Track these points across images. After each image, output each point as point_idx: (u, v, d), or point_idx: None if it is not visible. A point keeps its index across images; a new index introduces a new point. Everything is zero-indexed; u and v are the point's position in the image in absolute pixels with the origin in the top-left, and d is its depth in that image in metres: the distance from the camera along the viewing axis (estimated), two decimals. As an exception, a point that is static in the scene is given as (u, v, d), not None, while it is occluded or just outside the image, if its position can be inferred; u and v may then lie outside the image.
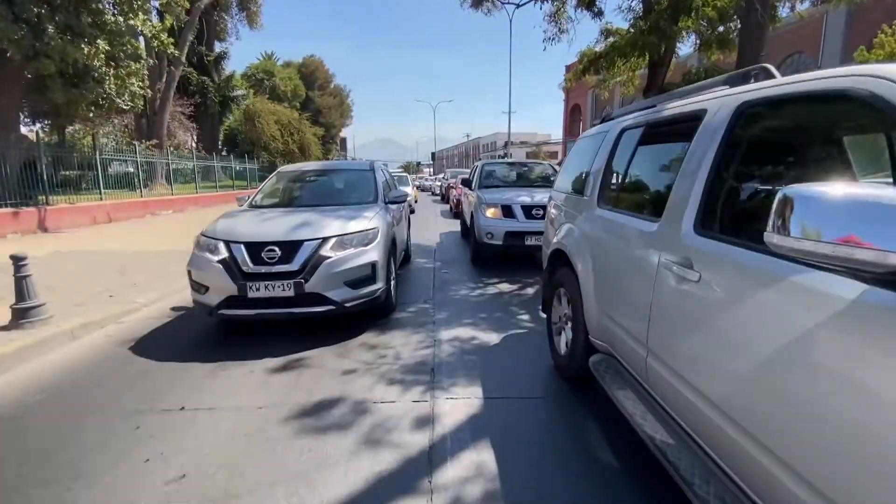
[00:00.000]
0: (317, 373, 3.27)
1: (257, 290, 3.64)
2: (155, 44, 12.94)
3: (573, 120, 60.74)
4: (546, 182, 7.80)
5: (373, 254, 4.05)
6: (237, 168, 22.45)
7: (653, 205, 2.16)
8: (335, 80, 50.37)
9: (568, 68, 59.68)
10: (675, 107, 2.24)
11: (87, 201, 12.27)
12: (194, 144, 31.96)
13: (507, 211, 6.49)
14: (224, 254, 3.75)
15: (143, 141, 18.59)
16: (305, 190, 5.52)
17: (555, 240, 3.28)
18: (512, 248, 6.58)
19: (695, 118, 1.92)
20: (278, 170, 5.72)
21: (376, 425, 2.58)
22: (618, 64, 10.66)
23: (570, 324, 2.97)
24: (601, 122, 3.31)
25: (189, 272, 3.94)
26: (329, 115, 47.65)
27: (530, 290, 5.56)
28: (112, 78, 11.59)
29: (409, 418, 2.65)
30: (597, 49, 11.50)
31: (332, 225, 4.02)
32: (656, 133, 2.42)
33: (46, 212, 10.52)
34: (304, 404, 2.81)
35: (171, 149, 23.80)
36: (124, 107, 12.28)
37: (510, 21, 22.06)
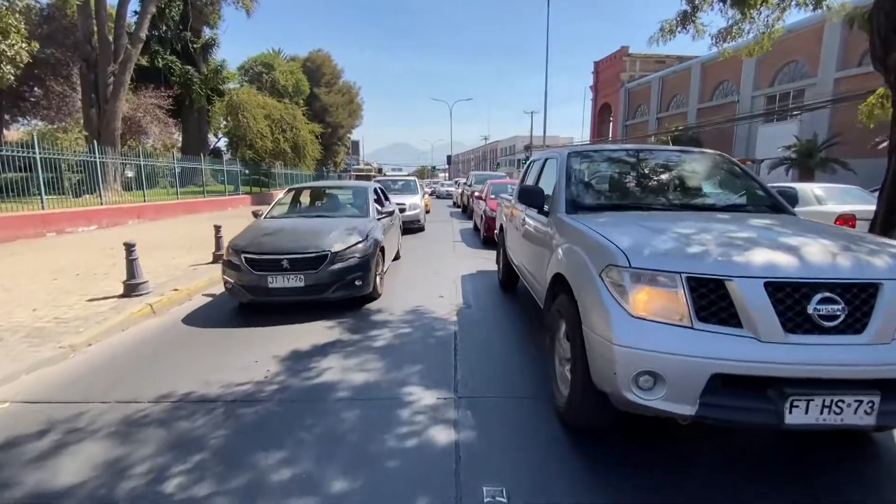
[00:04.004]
0: None
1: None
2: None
3: (602, 121, 55.78)
4: (746, 197, 3.16)
5: None
6: (205, 168, 18.19)
7: None
8: (344, 77, 46.41)
9: (597, 65, 55.30)
10: None
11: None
12: (178, 143, 28.21)
13: (713, 296, 1.89)
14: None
15: (69, 133, 14.80)
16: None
17: None
18: (732, 425, 2.01)
19: None
20: None
21: None
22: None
23: None
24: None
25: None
26: (336, 113, 43.64)
27: None
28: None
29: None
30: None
31: None
32: None
33: None
34: None
35: (157, 148, 20.02)
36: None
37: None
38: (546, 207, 3.31)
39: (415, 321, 4.41)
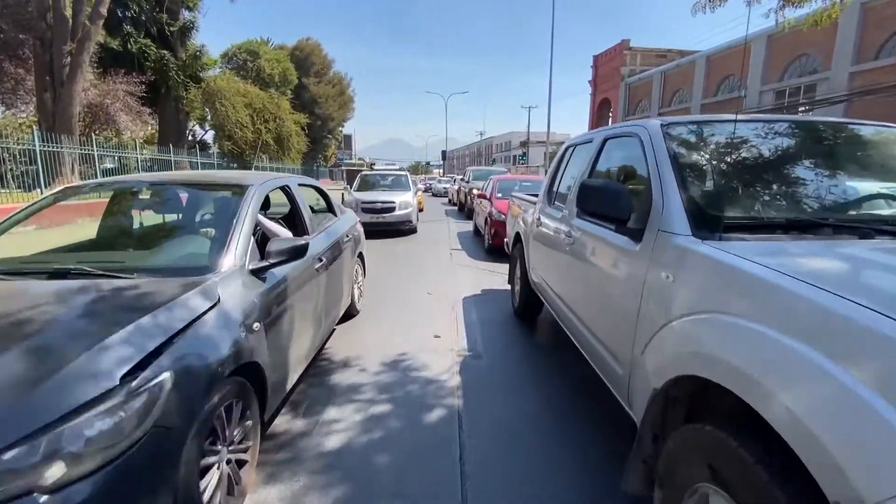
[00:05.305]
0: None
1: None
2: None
3: (601, 116, 54.28)
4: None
5: None
6: (175, 160, 16.51)
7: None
8: (335, 67, 44.52)
9: (596, 59, 54.13)
10: None
11: None
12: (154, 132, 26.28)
13: None
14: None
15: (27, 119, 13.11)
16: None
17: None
18: None
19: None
20: None
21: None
22: None
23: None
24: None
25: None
26: (326, 105, 41.79)
27: None
28: None
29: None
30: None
31: None
32: None
33: None
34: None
35: (134, 139, 18.20)
36: None
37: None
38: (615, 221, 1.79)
39: (395, 387, 2.89)
